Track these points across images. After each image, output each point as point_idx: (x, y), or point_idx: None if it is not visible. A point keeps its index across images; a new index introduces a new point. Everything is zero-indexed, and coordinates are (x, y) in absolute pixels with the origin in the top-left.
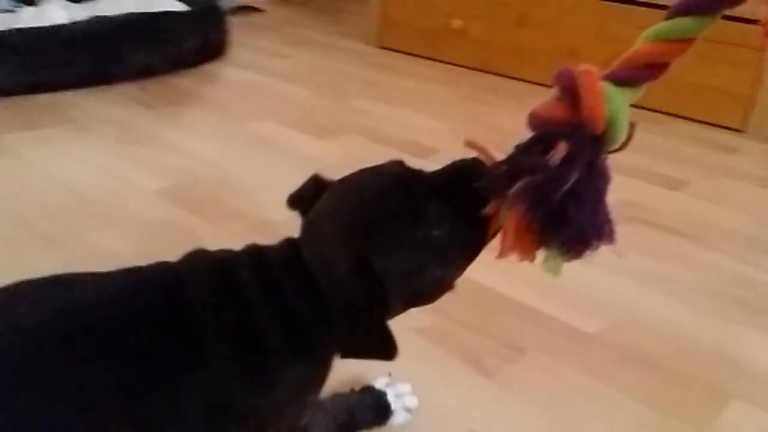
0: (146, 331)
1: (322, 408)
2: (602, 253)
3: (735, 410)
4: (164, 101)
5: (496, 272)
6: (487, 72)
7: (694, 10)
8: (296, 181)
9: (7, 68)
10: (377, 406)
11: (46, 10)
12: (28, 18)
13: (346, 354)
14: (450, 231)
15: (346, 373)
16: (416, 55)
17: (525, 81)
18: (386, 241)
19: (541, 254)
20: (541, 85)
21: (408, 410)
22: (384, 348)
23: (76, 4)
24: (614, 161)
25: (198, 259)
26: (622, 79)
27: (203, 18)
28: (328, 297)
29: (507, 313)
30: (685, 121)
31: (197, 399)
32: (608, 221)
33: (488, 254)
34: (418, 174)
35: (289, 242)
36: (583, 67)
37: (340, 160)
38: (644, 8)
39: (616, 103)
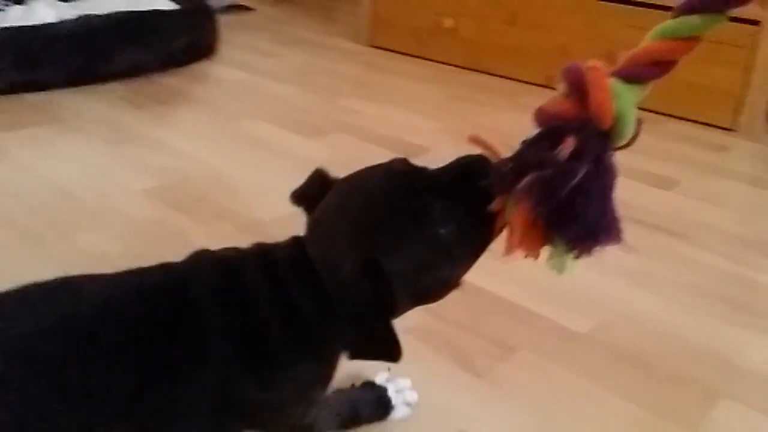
0: (151, 333)
1: (326, 404)
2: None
3: (725, 409)
4: (153, 100)
5: (486, 272)
6: (478, 71)
7: (701, 9)
8: (286, 180)
9: None
10: (378, 401)
11: (34, 8)
12: (16, 17)
13: (353, 355)
14: (456, 229)
15: (346, 368)
16: (407, 54)
17: (516, 80)
18: (393, 241)
19: (545, 252)
20: (532, 84)
21: (408, 405)
22: (389, 349)
23: (65, 3)
24: None
25: (202, 259)
26: (629, 76)
27: (193, 16)
28: (335, 297)
29: (497, 312)
30: (676, 120)
31: (203, 398)
32: (616, 219)
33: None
34: (423, 171)
35: (295, 241)
36: (591, 62)
37: (330, 159)
38: (635, 7)
39: (623, 100)
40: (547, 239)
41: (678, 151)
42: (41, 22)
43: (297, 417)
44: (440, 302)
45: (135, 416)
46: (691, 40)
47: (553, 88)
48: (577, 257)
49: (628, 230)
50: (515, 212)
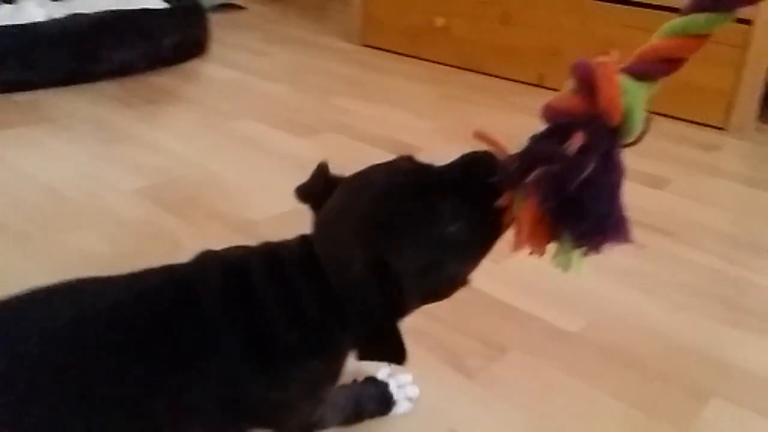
0: (159, 335)
1: (330, 400)
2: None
3: (715, 408)
4: (143, 100)
5: (477, 271)
6: (470, 70)
7: (711, 7)
8: (278, 180)
9: None
10: (381, 396)
11: (23, 7)
12: (5, 15)
13: (361, 354)
14: (465, 227)
15: (348, 365)
16: (399, 53)
17: (508, 79)
18: (402, 241)
19: (551, 249)
20: (524, 83)
21: (410, 400)
22: (395, 351)
23: (54, 2)
24: None
25: (209, 260)
26: (638, 73)
27: (183, 15)
28: (343, 296)
29: (488, 312)
30: (667, 118)
31: (212, 398)
32: (624, 218)
33: None
34: (429, 169)
35: (302, 239)
36: (601, 58)
37: (322, 158)
38: (628, 7)
39: (632, 96)
40: (554, 235)
41: (669, 150)
42: (30, 21)
43: (304, 414)
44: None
45: (144, 417)
46: (699, 37)
47: (546, 88)
48: (585, 254)
49: None
50: (523, 207)
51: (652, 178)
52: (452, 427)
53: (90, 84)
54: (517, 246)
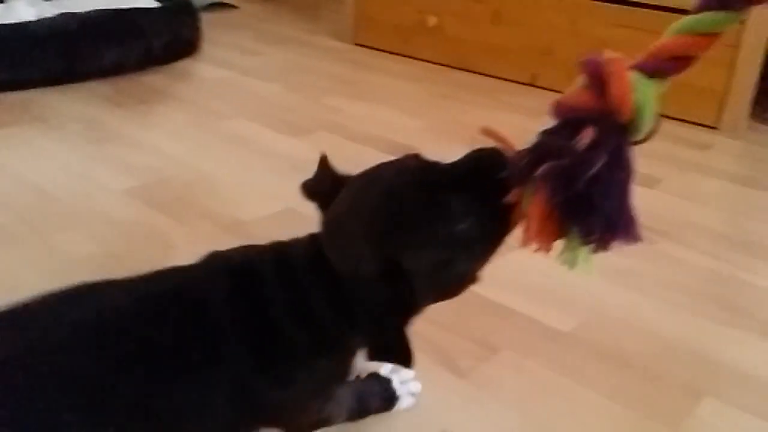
0: (167, 336)
1: (336, 398)
2: None
3: (708, 407)
4: (134, 99)
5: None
6: (462, 69)
7: (721, 5)
8: (270, 179)
9: None
10: (384, 392)
11: (13, 6)
12: None
13: (371, 355)
14: (475, 223)
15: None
16: (391, 52)
17: (500, 78)
18: (412, 240)
19: (558, 246)
20: (516, 82)
21: (413, 395)
22: (403, 352)
23: (44, 1)
24: None
25: (217, 261)
26: (649, 70)
27: (174, 14)
28: (353, 296)
29: (480, 312)
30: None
31: (221, 397)
32: (634, 217)
33: None
34: (436, 166)
35: (311, 239)
36: (611, 54)
37: (314, 158)
38: (620, 6)
39: (643, 93)
40: (562, 232)
41: (661, 149)
42: (21, 20)
43: (313, 413)
44: None
45: (153, 417)
46: (709, 36)
47: (538, 87)
48: (594, 252)
49: None
50: (532, 202)
51: (643, 177)
52: (445, 427)
53: (80, 83)
54: (525, 242)
